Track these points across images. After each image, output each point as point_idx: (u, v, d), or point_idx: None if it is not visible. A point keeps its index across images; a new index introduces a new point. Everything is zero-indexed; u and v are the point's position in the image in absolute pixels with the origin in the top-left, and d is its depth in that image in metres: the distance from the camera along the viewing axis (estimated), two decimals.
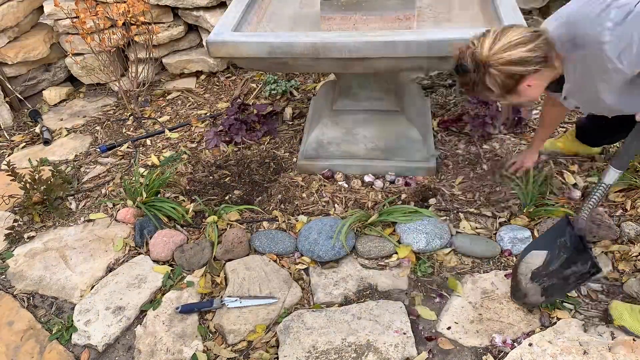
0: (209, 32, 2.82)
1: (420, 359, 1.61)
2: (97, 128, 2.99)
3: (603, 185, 1.58)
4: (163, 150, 2.69)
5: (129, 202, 2.28)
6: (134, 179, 2.38)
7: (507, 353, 1.60)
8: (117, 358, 1.74)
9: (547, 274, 1.64)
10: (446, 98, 2.86)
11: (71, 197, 2.43)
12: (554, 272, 1.62)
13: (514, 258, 1.91)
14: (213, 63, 3.31)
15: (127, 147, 2.75)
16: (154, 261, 2.05)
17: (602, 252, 1.87)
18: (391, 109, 2.24)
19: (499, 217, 2.07)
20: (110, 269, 2.05)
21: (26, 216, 2.32)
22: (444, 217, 2.09)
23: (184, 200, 2.30)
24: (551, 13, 3.51)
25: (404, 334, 1.67)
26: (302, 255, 2.00)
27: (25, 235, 2.23)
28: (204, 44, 3.14)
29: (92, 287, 1.97)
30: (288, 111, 2.83)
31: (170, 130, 2.85)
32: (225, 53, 1.89)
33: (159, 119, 2.98)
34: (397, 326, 1.69)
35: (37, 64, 3.25)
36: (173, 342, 1.74)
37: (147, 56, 2.99)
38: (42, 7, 3.18)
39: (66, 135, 2.95)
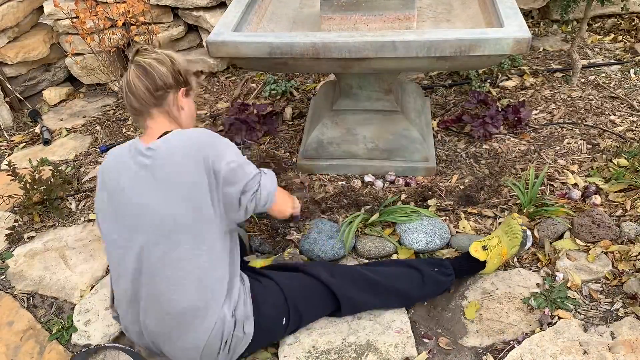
0: (209, 32, 2.83)
1: (420, 359, 1.61)
2: (97, 128, 2.99)
3: None
4: None
5: None
6: None
7: (507, 353, 1.60)
8: None
9: None
10: (446, 98, 2.86)
11: (71, 197, 2.43)
12: None
13: (514, 258, 1.91)
14: (213, 63, 3.31)
15: None
16: None
17: (602, 252, 1.87)
18: (391, 109, 2.24)
19: (499, 217, 2.07)
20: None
21: (26, 216, 2.32)
22: (444, 217, 2.09)
23: None
24: (551, 13, 3.56)
25: (404, 334, 1.67)
26: (302, 254, 2.00)
27: (25, 236, 2.24)
28: (204, 44, 3.14)
29: (92, 287, 1.97)
30: (288, 111, 2.83)
31: None
32: (225, 53, 1.89)
33: None
34: (397, 326, 1.69)
35: (37, 64, 3.25)
36: None
37: None
38: (42, 7, 3.18)
39: (66, 135, 2.95)
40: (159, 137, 1.45)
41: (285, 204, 1.60)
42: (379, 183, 2.28)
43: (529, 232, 1.87)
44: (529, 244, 1.89)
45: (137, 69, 1.46)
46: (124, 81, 1.49)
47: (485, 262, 1.79)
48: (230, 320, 1.47)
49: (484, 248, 1.79)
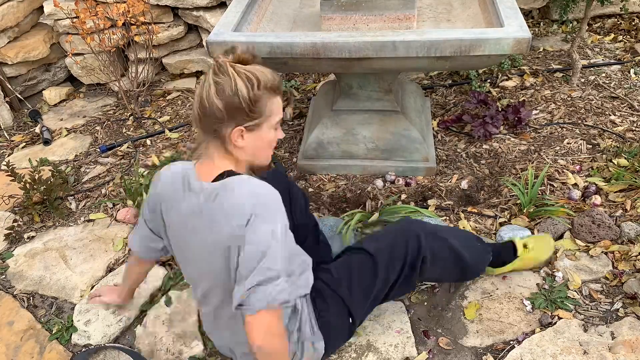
0: (209, 32, 2.82)
1: (420, 359, 1.61)
2: (97, 128, 2.99)
3: None
4: (163, 151, 2.70)
5: (129, 202, 2.28)
6: (134, 179, 2.38)
7: (507, 353, 1.60)
8: None
9: None
10: (446, 98, 2.86)
11: (71, 197, 2.43)
12: None
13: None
14: (213, 63, 3.30)
15: (127, 147, 2.76)
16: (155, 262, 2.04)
17: (602, 252, 1.87)
18: (391, 109, 2.24)
19: (499, 217, 2.07)
20: (110, 269, 2.05)
21: (26, 216, 2.32)
22: (444, 217, 2.09)
23: None
24: (551, 13, 3.55)
25: (404, 334, 1.67)
26: None
27: (25, 236, 2.23)
28: (204, 44, 3.14)
29: (92, 287, 1.97)
30: (288, 111, 2.83)
31: (170, 130, 2.85)
32: None
33: (159, 119, 2.98)
34: (397, 326, 1.69)
35: (37, 64, 3.25)
36: (173, 342, 1.74)
37: (147, 56, 2.99)
38: (42, 7, 3.18)
39: (66, 135, 2.95)
40: (215, 179, 1.26)
41: (258, 338, 1.16)
42: (379, 183, 2.28)
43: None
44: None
45: (200, 88, 1.24)
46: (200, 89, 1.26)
47: (517, 256, 1.78)
48: (298, 342, 1.41)
49: (525, 246, 1.80)
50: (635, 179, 2.09)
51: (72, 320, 1.84)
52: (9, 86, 3.13)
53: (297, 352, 1.42)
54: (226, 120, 1.22)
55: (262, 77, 1.22)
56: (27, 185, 2.28)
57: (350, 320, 1.52)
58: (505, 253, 1.80)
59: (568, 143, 2.42)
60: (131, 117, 3.01)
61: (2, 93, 3.06)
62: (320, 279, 1.48)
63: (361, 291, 1.51)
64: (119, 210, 2.30)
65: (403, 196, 2.20)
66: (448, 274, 1.69)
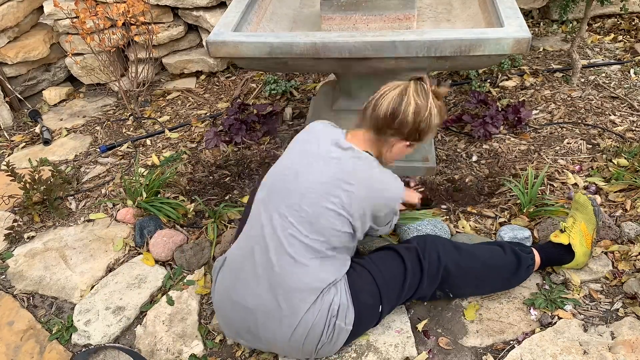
0: (209, 32, 2.82)
1: (420, 359, 1.61)
2: (97, 128, 2.99)
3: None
4: (163, 150, 2.70)
5: (129, 202, 2.28)
6: (134, 178, 2.38)
7: (507, 353, 1.60)
8: None
9: None
10: (446, 98, 2.86)
11: (71, 197, 2.43)
12: None
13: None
14: (213, 63, 3.31)
15: (127, 147, 2.76)
16: (155, 261, 2.05)
17: (602, 252, 1.87)
18: None
19: (499, 217, 2.07)
20: (110, 269, 2.05)
21: (26, 216, 2.32)
22: (444, 217, 2.09)
23: (184, 200, 2.30)
24: (551, 13, 3.55)
25: (404, 334, 1.67)
26: None
27: (25, 235, 2.24)
28: (204, 44, 3.14)
29: (92, 287, 1.97)
30: (288, 111, 2.83)
31: (170, 130, 2.85)
32: (225, 53, 1.89)
33: (159, 119, 2.98)
34: (397, 326, 1.69)
35: (37, 64, 3.25)
36: (173, 342, 1.75)
37: (147, 56, 2.99)
38: (42, 7, 3.18)
39: (66, 135, 2.95)
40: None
41: (411, 199, 1.86)
42: None
43: (597, 200, 1.83)
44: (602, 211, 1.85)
45: (398, 97, 1.47)
46: (384, 89, 1.50)
47: (570, 245, 1.76)
48: (335, 306, 1.48)
49: (562, 231, 1.79)
50: (635, 179, 2.09)
51: (72, 320, 1.84)
52: (9, 86, 3.13)
53: (333, 318, 1.48)
54: (405, 134, 1.49)
55: (443, 116, 1.52)
56: (27, 185, 2.28)
57: (380, 308, 1.59)
58: (559, 250, 1.78)
59: (568, 143, 2.42)
60: (131, 117, 3.01)
61: (2, 93, 3.06)
62: (359, 263, 1.62)
63: (393, 282, 1.60)
64: (119, 210, 2.30)
65: None
66: (488, 284, 1.74)
